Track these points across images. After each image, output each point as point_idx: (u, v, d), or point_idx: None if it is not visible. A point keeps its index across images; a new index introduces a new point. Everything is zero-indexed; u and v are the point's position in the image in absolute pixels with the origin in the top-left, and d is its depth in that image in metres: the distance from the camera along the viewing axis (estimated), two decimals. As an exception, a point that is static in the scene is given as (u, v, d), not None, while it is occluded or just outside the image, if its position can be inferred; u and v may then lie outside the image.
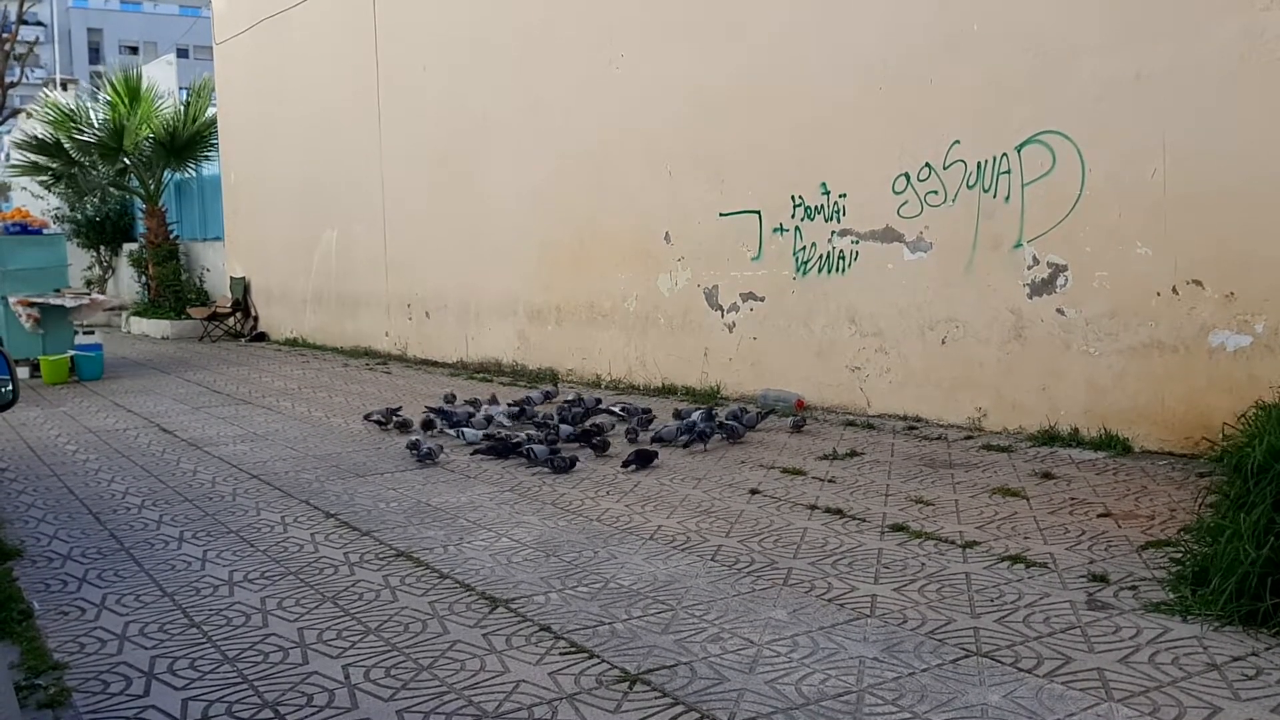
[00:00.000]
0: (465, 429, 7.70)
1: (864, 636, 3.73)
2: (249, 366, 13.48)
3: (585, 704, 3.22)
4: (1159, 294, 6.49)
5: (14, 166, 21.25)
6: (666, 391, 9.77)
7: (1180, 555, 4.32)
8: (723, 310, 9.43)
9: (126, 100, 18.87)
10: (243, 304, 17.72)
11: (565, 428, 7.54)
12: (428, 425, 8.15)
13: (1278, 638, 3.57)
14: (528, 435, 7.41)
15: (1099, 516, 5.20)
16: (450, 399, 9.12)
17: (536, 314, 11.58)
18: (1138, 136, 6.53)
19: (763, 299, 9.06)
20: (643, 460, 6.71)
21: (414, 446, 7.14)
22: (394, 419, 8.35)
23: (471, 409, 8.50)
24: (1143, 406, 6.62)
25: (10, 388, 2.88)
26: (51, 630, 4.02)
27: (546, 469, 6.61)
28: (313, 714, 3.21)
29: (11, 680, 2.80)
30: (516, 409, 8.49)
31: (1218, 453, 4.78)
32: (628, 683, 3.37)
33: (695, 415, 7.62)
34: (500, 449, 7.11)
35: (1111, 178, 6.69)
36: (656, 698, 3.26)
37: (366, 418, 8.67)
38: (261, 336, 17.28)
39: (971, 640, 3.66)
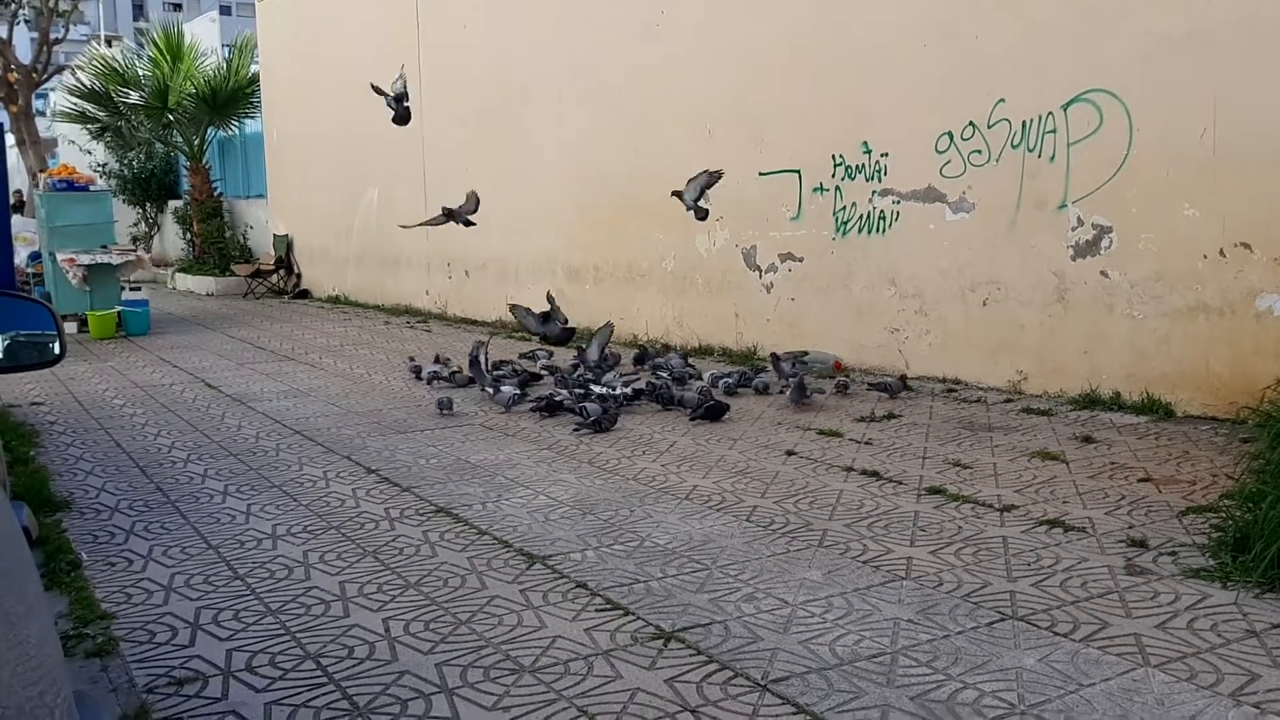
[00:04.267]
0: (503, 387, 7.64)
1: (899, 599, 3.74)
2: (292, 323, 13.62)
3: (620, 660, 3.26)
4: (1205, 256, 6.38)
5: (63, 113, 21.47)
6: (703, 352, 9.77)
7: (1221, 521, 4.28)
8: (761, 271, 9.38)
9: (169, 58, 18.99)
10: (286, 261, 17.88)
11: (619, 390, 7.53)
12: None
13: (1319, 606, 3.54)
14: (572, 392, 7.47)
15: (1139, 481, 5.16)
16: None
17: (575, 274, 11.59)
18: (1187, 95, 6.39)
19: (801, 259, 9.01)
20: (712, 414, 6.83)
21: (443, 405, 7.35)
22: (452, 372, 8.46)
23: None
24: (1187, 371, 6.53)
25: (58, 344, 2.93)
26: (99, 581, 4.11)
27: (590, 429, 6.63)
28: (353, 666, 3.27)
29: (57, 632, 2.87)
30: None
31: (1260, 418, 4.71)
32: (662, 640, 3.41)
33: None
34: (549, 406, 7.14)
35: (1160, 137, 6.57)
36: (691, 655, 3.29)
37: (416, 374, 8.74)
38: (304, 294, 17.43)
39: (1008, 604, 3.66)
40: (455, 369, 8.57)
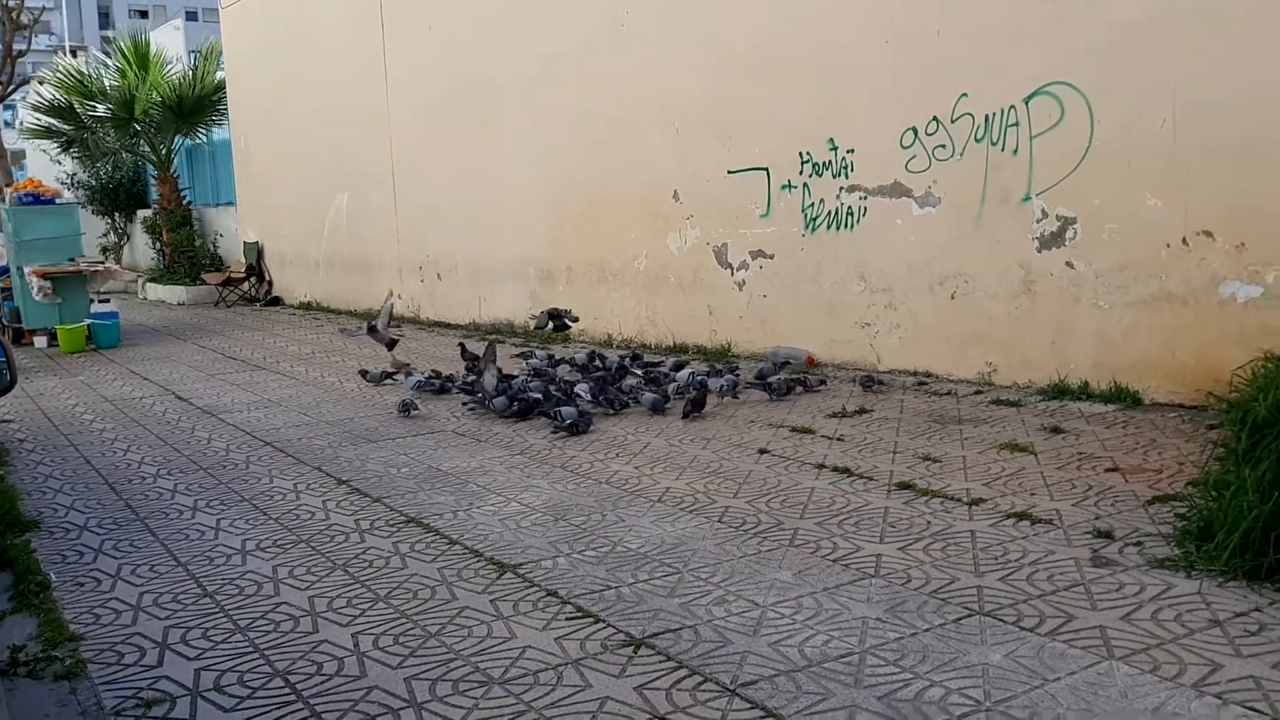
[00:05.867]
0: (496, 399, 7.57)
1: (868, 597, 3.76)
2: (263, 331, 13.55)
3: (590, 669, 3.26)
4: (1169, 245, 6.44)
5: (29, 130, 21.29)
6: (678, 350, 9.78)
7: (1185, 510, 4.32)
8: (732, 268, 9.40)
9: (136, 67, 18.84)
10: (257, 269, 17.77)
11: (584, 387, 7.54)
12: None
13: (1281, 593, 3.58)
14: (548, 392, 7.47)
15: (1106, 471, 5.20)
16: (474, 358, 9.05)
17: (547, 275, 11.58)
18: (1147, 86, 6.44)
19: (772, 256, 9.03)
20: (697, 405, 6.99)
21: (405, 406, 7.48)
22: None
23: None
24: (1153, 359, 6.59)
25: (8, 375, 2.91)
26: (68, 601, 4.09)
27: (564, 432, 6.63)
28: (322, 682, 3.26)
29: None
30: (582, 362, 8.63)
31: (1225, 406, 4.76)
32: (633, 647, 3.41)
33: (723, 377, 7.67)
34: (523, 410, 7.14)
35: (1121, 129, 6.62)
36: (661, 661, 3.30)
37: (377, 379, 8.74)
38: (276, 301, 17.34)
39: (975, 599, 3.69)
40: (435, 374, 8.56)
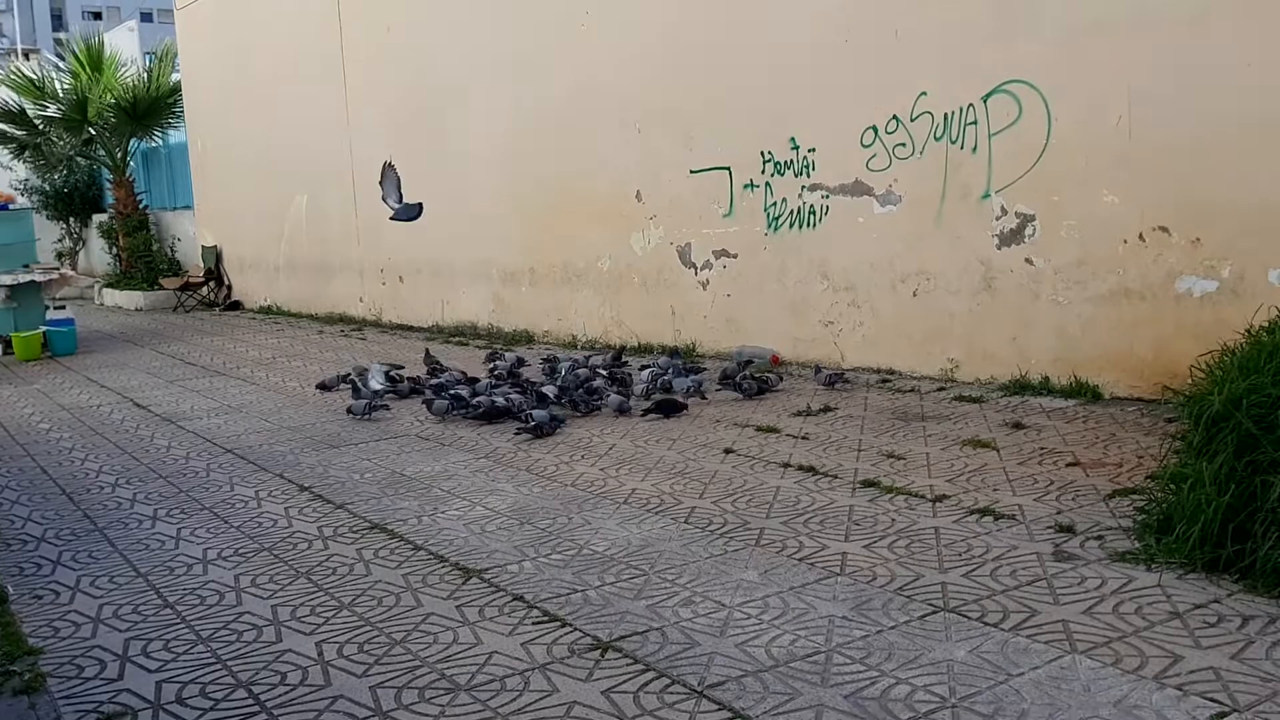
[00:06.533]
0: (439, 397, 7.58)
1: (834, 595, 3.77)
2: (223, 337, 13.40)
3: (557, 673, 3.25)
4: (1126, 241, 6.52)
5: None
6: (643, 350, 9.77)
7: (1145, 504, 4.38)
8: (696, 268, 9.41)
9: (89, 69, 18.56)
10: (216, 273, 17.59)
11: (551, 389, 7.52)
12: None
13: (1239, 584, 3.63)
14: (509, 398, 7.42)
15: (1068, 466, 5.26)
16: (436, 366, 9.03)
17: (510, 276, 11.54)
18: (1102, 84, 6.52)
19: (735, 256, 9.05)
20: (666, 410, 6.94)
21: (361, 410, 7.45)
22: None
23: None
24: (1112, 354, 6.66)
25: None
26: (26, 615, 4.02)
27: (529, 435, 6.60)
28: (286, 692, 3.22)
29: None
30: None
31: (1182, 399, 4.82)
32: (599, 650, 3.40)
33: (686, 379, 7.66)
34: (490, 414, 7.10)
35: (1077, 126, 6.69)
36: (628, 664, 3.29)
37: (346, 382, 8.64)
38: (236, 305, 17.16)
39: (939, 596, 3.71)
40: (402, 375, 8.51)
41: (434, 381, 8.12)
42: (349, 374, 8.71)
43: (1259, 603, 3.47)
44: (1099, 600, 3.58)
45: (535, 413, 6.77)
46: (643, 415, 6.99)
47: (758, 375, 7.77)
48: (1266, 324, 4.75)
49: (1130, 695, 2.92)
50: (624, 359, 8.91)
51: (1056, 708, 2.88)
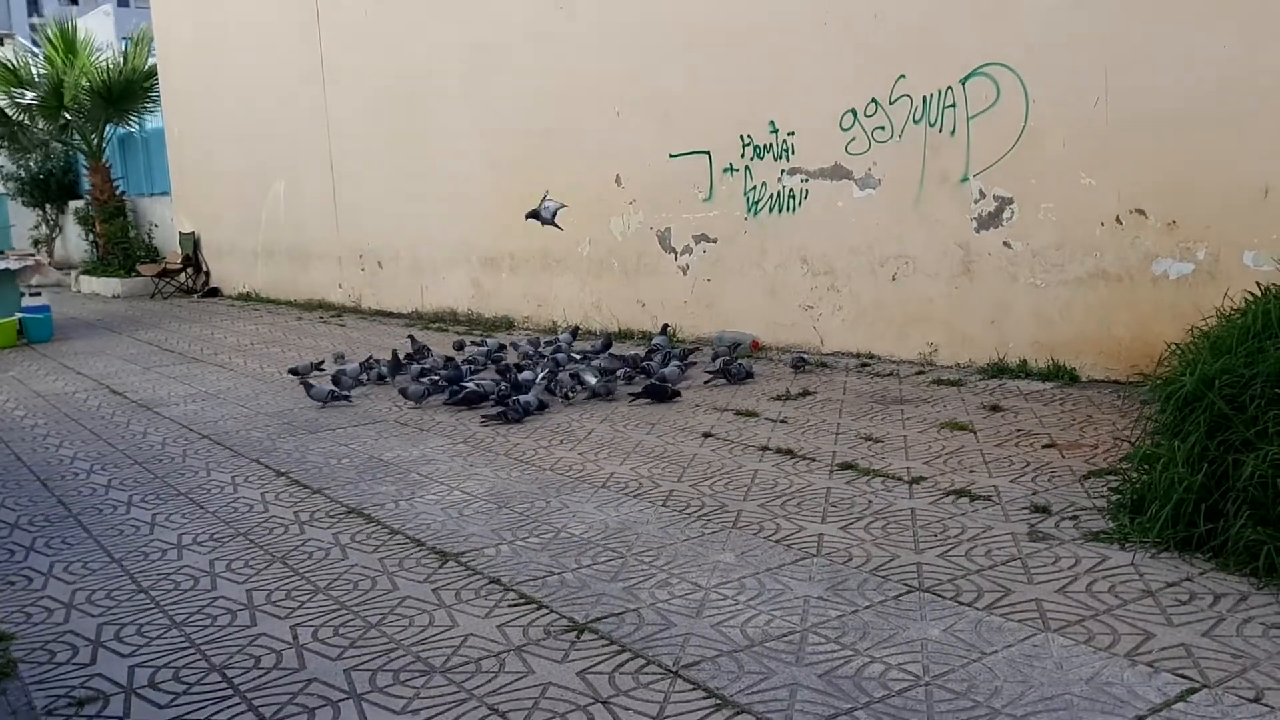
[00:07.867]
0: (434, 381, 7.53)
1: (810, 576, 3.78)
2: (201, 323, 13.32)
3: (532, 655, 3.25)
4: (1103, 224, 6.54)
5: None
6: (623, 336, 9.76)
7: (1119, 484, 4.40)
8: (676, 253, 9.40)
9: (63, 53, 18.37)
10: (193, 259, 17.47)
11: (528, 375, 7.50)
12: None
13: (1211, 562, 3.65)
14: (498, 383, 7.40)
15: (1044, 447, 5.28)
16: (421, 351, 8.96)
17: (490, 261, 11.50)
18: (1079, 66, 6.53)
19: (715, 240, 9.04)
20: (656, 395, 6.92)
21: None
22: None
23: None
24: (1089, 336, 6.69)
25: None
26: (-3, 601, 3.99)
27: (495, 421, 6.58)
28: (260, 676, 3.21)
29: None
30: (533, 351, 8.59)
31: (1156, 381, 4.84)
32: (575, 632, 3.40)
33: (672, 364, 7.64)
34: (471, 398, 7.07)
35: (1055, 109, 6.70)
36: (603, 645, 3.29)
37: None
38: (214, 292, 17.06)
39: (914, 576, 3.72)
40: (373, 362, 8.46)
41: (416, 366, 8.12)
42: (322, 361, 8.68)
43: (1230, 580, 3.50)
44: (1072, 579, 3.60)
45: (522, 398, 6.74)
46: (631, 400, 6.97)
47: (742, 360, 7.78)
48: (1238, 305, 4.77)
49: (1102, 672, 2.94)
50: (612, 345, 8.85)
51: (1029, 685, 2.89)
